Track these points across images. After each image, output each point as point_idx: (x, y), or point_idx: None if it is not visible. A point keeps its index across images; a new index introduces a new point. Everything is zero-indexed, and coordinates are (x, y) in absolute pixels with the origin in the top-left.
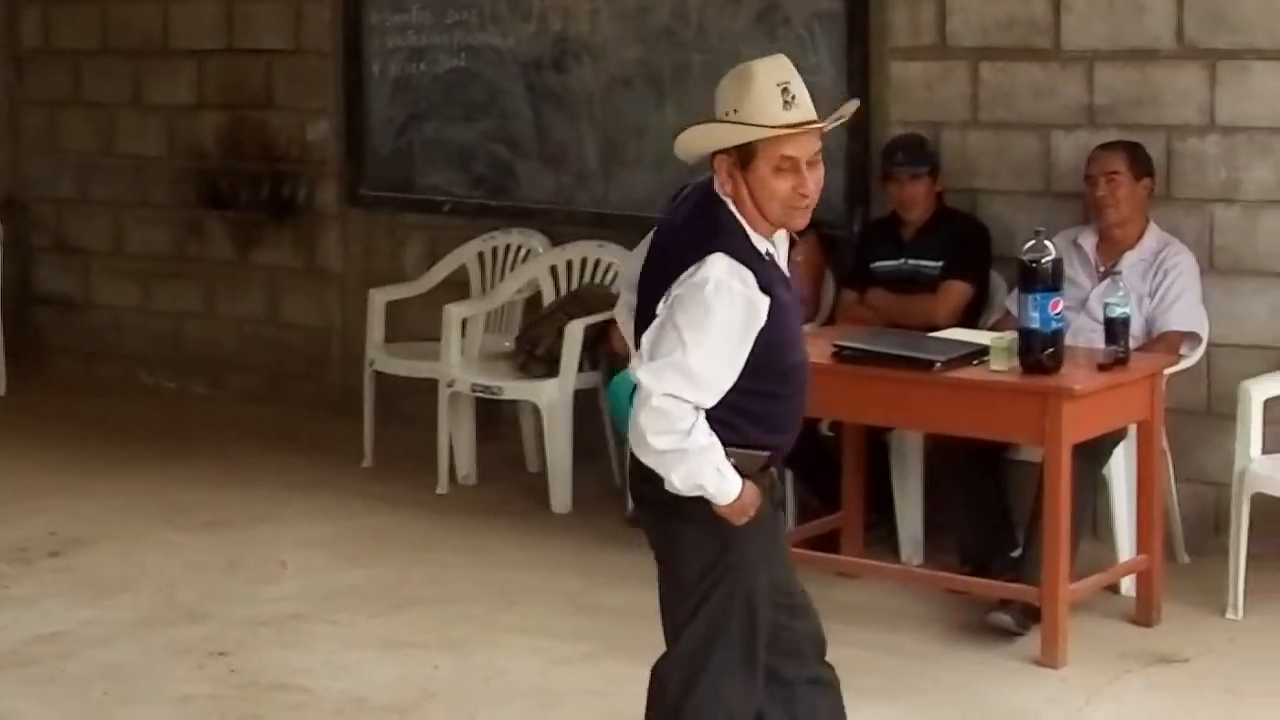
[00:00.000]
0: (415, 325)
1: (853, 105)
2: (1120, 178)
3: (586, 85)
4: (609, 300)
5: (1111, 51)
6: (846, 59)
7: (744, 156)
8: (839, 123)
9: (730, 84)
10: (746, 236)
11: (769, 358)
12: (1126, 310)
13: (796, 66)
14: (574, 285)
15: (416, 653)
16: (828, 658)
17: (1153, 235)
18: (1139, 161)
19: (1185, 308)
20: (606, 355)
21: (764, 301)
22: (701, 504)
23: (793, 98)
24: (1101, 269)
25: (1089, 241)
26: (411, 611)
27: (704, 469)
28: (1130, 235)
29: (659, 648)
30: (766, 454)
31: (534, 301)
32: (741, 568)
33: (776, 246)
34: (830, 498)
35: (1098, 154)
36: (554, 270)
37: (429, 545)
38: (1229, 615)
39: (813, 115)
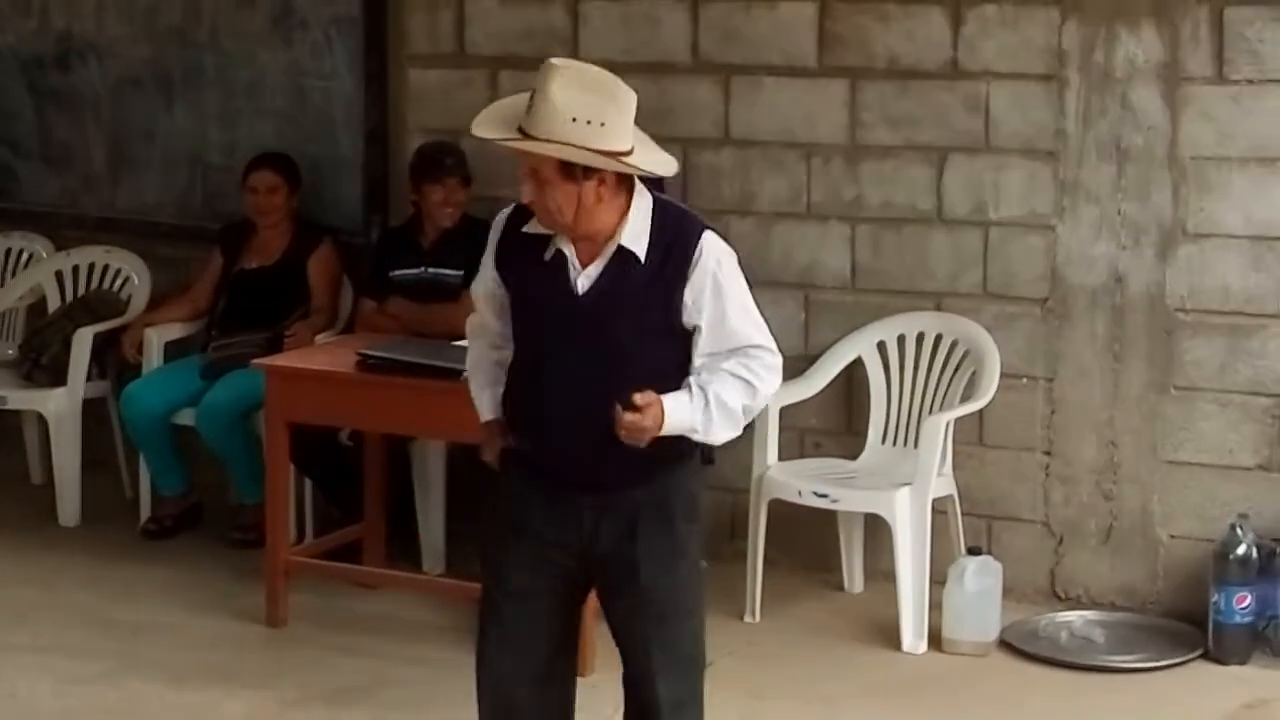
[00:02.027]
0: None
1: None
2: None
3: (93, 85)
4: (118, 307)
5: (629, 64)
6: (364, 65)
7: None
8: (522, 144)
9: None
10: (522, 219)
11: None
12: None
13: (312, 71)
14: (80, 291)
15: None
16: None
17: None
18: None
19: None
20: (116, 363)
21: (490, 271)
22: None
23: (530, 109)
24: None
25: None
26: None
27: None
28: None
29: (177, 664)
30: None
31: (38, 308)
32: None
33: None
34: (351, 508)
35: None
36: (59, 275)
37: None
38: (747, 619)
39: (528, 132)
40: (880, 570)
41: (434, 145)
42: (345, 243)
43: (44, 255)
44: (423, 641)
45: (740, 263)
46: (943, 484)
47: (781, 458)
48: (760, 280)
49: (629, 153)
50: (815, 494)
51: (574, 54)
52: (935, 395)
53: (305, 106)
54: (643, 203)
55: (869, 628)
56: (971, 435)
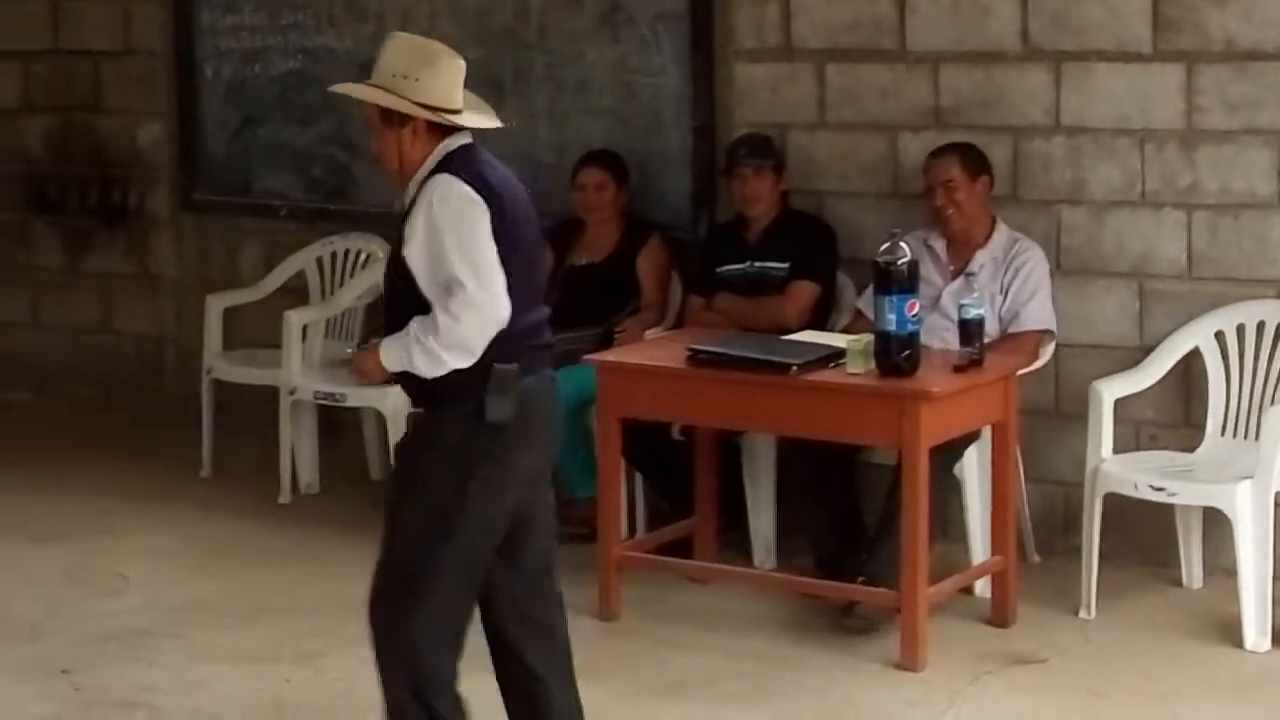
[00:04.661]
0: (252, 332)
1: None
2: (956, 183)
3: None
4: None
5: (957, 53)
6: (691, 60)
7: None
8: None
9: None
10: None
11: None
12: (981, 312)
13: (640, 68)
14: None
15: (268, 666)
16: None
17: (1001, 233)
18: (972, 162)
19: (1038, 305)
20: None
21: None
22: None
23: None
24: (953, 268)
25: (939, 243)
26: (261, 624)
27: None
28: (978, 234)
29: None
30: None
31: (375, 307)
32: None
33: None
34: (682, 503)
35: (931, 162)
36: None
37: (275, 556)
38: (1082, 615)
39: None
40: (1220, 565)
41: (738, 138)
42: (674, 238)
43: (380, 256)
44: (755, 635)
45: (1071, 252)
46: None
47: (1117, 450)
48: (1093, 270)
49: (452, 111)
50: (1152, 487)
51: (901, 46)
52: (1277, 386)
53: (633, 103)
54: (441, 150)
55: (1209, 624)
56: None
